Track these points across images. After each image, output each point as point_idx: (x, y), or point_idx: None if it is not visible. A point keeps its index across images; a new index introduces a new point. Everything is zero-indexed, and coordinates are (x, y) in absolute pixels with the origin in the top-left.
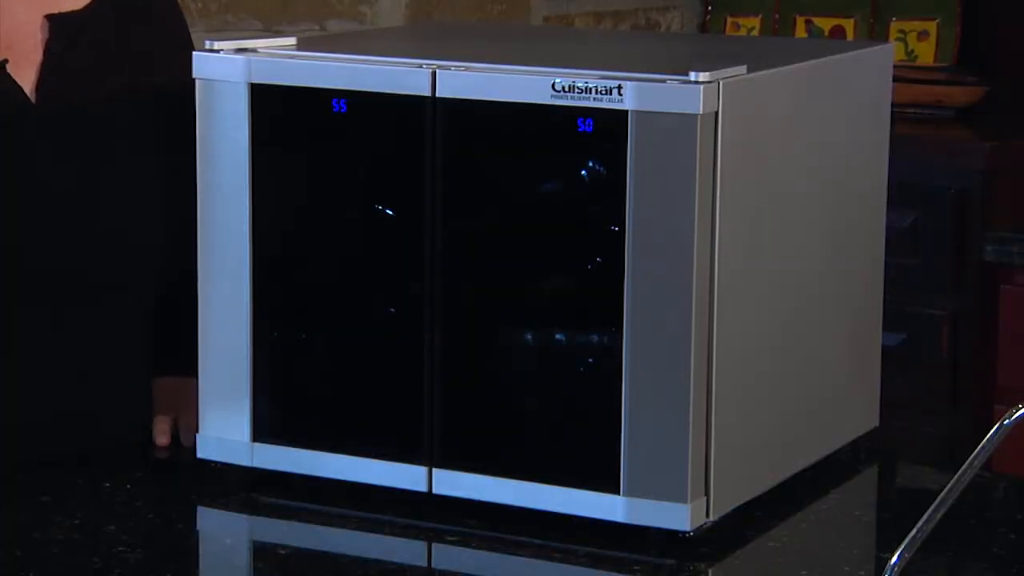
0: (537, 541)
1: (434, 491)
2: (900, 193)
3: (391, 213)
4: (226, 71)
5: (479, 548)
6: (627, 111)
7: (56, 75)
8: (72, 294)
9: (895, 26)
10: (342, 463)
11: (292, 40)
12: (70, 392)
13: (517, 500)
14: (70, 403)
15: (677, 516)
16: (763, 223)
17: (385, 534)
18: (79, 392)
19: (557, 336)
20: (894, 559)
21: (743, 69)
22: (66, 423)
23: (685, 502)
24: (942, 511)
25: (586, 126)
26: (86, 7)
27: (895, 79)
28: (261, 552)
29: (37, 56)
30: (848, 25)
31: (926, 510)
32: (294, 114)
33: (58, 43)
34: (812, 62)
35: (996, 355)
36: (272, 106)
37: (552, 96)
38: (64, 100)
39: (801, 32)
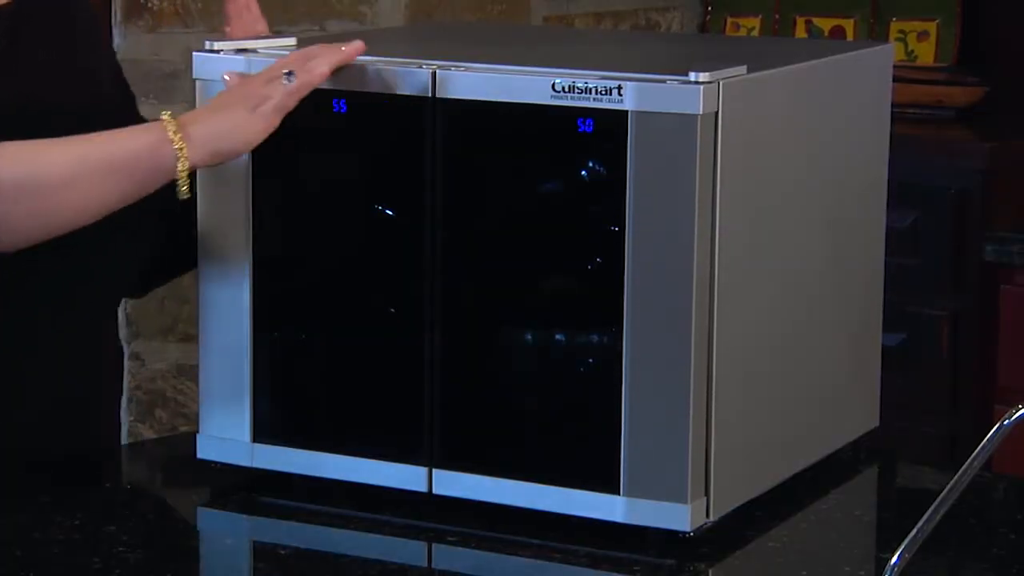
0: (537, 541)
1: (434, 491)
2: (900, 193)
3: (391, 213)
4: (226, 71)
5: (479, 548)
6: (627, 111)
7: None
8: (71, 294)
9: (895, 26)
10: (342, 463)
11: (292, 40)
12: (70, 392)
13: (517, 500)
14: (70, 403)
15: (677, 516)
16: (763, 223)
17: (385, 534)
18: (79, 392)
19: (557, 336)
20: (894, 559)
21: (743, 69)
22: (65, 423)
23: (685, 502)
24: (942, 511)
25: (586, 126)
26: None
27: (895, 79)
28: (261, 552)
29: None
30: (848, 25)
31: (926, 510)
32: (294, 114)
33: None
34: (812, 62)
35: (996, 355)
36: None
37: (552, 96)
38: (9, 96)
39: (801, 32)
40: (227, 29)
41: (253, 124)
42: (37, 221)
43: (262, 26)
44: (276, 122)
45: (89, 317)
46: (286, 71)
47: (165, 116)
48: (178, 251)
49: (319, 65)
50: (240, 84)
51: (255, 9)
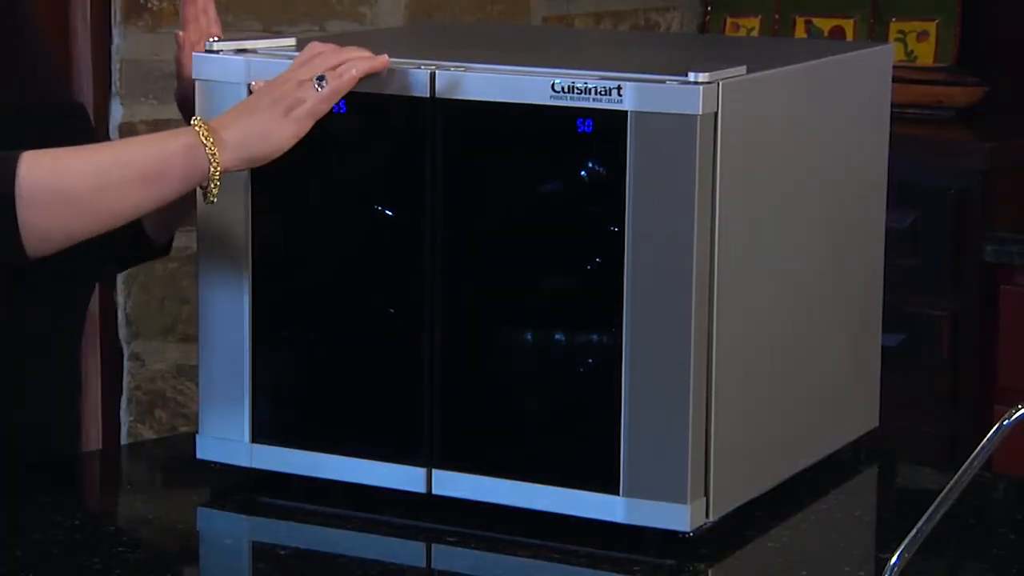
0: (536, 541)
1: (433, 492)
2: (900, 193)
3: (391, 214)
4: (226, 71)
5: (478, 548)
6: (626, 111)
7: None
8: (67, 298)
9: (895, 26)
10: (341, 464)
11: (292, 41)
12: (68, 392)
13: (516, 500)
14: (68, 403)
15: (677, 516)
16: (763, 223)
17: (384, 534)
18: (77, 392)
19: (557, 336)
20: (894, 559)
21: (743, 69)
22: (64, 423)
23: (685, 502)
24: (942, 511)
25: (585, 127)
26: None
27: (895, 79)
28: (261, 552)
29: None
30: (848, 25)
31: (926, 510)
32: None
33: None
34: (812, 62)
35: (996, 355)
36: None
37: (551, 97)
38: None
39: (801, 32)
40: (180, 33)
41: (285, 128)
42: (68, 228)
43: (216, 29)
44: (308, 127)
45: (79, 315)
46: (317, 76)
47: (196, 121)
48: (135, 248)
49: (348, 70)
50: (270, 86)
51: (211, 13)
